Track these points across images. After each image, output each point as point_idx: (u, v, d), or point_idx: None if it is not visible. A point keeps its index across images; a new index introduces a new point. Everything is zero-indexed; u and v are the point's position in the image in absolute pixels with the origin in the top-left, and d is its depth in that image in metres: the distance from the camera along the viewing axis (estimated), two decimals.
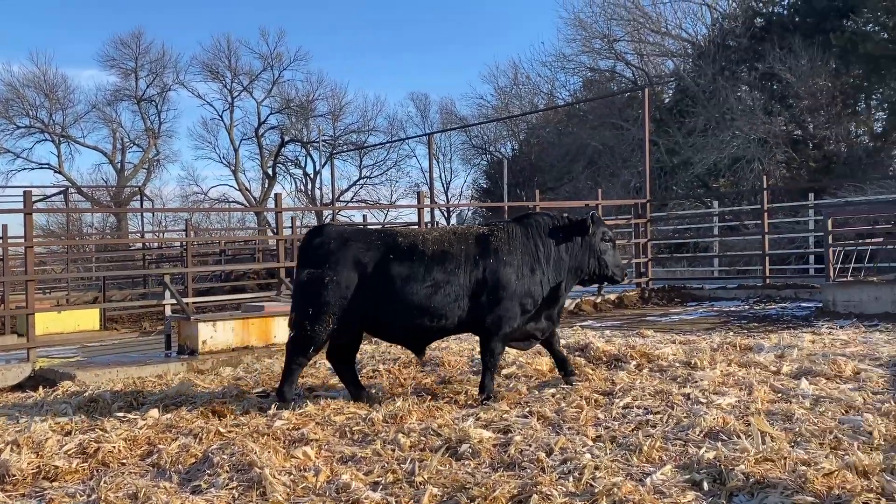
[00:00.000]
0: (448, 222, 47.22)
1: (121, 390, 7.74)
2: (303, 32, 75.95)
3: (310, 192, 49.90)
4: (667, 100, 34.95)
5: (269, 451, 5.11)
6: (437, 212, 44.51)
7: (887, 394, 5.89)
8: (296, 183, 51.76)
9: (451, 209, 47.09)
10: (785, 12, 30.80)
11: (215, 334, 10.24)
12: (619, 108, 34.01)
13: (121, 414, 6.59)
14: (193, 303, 12.08)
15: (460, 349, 9.21)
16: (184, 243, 20.40)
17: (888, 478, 3.93)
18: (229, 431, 5.78)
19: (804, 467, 4.14)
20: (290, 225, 22.29)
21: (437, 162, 51.04)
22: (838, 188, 22.43)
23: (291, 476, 4.69)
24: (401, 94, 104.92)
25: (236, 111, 50.42)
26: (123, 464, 5.29)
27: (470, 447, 5.05)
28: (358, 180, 50.25)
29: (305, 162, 51.04)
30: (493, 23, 73.69)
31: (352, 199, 49.42)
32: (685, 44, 34.03)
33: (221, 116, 50.33)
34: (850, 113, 27.45)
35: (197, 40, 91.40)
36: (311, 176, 50.22)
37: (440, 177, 51.80)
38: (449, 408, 6.33)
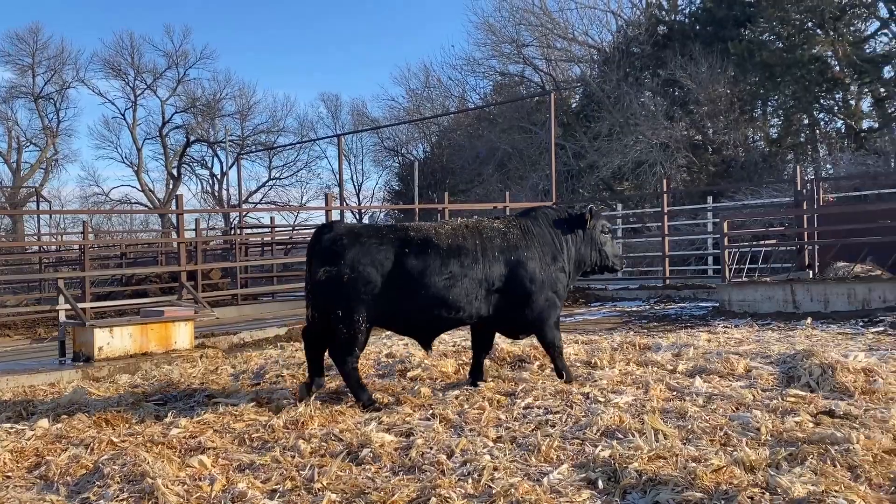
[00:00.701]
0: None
1: (9, 400, 7.39)
2: (210, 30, 74.34)
3: (216, 194, 48.85)
4: (574, 104, 35.68)
5: (163, 461, 4.95)
6: (348, 214, 44.20)
7: (776, 390, 6.12)
8: (202, 184, 50.65)
9: (363, 211, 46.81)
10: (686, 21, 31.86)
11: (112, 340, 9.89)
12: (528, 111, 34.54)
13: (8, 425, 6.29)
14: (91, 308, 11.67)
15: (366, 352, 9.14)
16: (81, 246, 19.63)
17: (772, 472, 4.08)
18: (123, 441, 5.58)
19: (694, 464, 4.26)
20: (194, 227, 21.73)
21: (349, 163, 50.79)
22: (736, 191, 23.31)
23: (185, 486, 4.56)
24: (311, 94, 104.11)
25: (139, 110, 49.18)
26: (9, 476, 5.04)
27: (371, 451, 5.01)
28: (267, 181, 49.56)
29: (212, 162, 50.05)
30: (404, 24, 73.86)
31: (261, 200, 48.63)
32: (591, 50, 34.82)
33: (124, 115, 48.98)
34: (747, 119, 28.58)
35: (98, 37, 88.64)
36: (218, 177, 49.20)
37: (352, 178, 51.55)
38: (352, 412, 6.27)
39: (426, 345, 6.88)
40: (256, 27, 74.26)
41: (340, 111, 52.56)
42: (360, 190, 51.77)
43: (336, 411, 6.23)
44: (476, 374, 7.11)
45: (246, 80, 69.53)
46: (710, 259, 19.72)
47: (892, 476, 4.06)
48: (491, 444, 5.11)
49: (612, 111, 29.60)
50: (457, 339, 10.21)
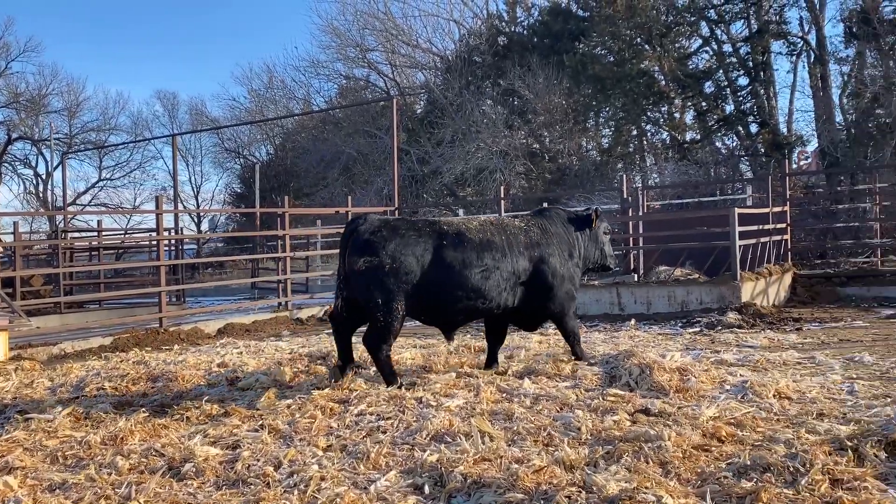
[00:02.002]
0: (198, 229, 45.37)
1: None
2: (35, 21, 69.62)
3: (41, 195, 45.74)
4: (419, 110, 36.04)
5: None
6: (186, 218, 42.59)
7: (598, 390, 6.37)
8: (25, 184, 47.27)
9: (202, 215, 45.28)
10: (525, 33, 32.89)
11: None
12: (373, 116, 34.57)
13: None
14: None
15: (197, 362, 8.82)
16: None
17: (588, 471, 4.24)
18: None
19: (517, 465, 4.35)
20: (13, 230, 20.23)
21: (187, 164, 49.03)
22: (570, 198, 24.26)
23: None
24: (147, 91, 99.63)
25: None
26: None
27: (194, 466, 4.80)
28: (97, 182, 46.87)
29: (36, 161, 46.75)
30: (246, 23, 72.12)
31: (90, 202, 45.94)
32: (435, 57, 35.29)
33: None
34: (580, 129, 29.85)
35: None
36: (43, 177, 46.09)
37: (190, 180, 49.77)
38: (177, 425, 6.00)
39: (450, 334, 7.25)
40: (87, 18, 70.29)
41: (178, 110, 50.76)
42: (198, 192, 50.05)
43: (159, 425, 5.94)
44: (491, 364, 7.53)
45: (75, 76, 65.44)
46: None
47: (699, 471, 4.30)
48: (321, 453, 5.02)
49: (454, 118, 30.12)
50: (293, 347, 10.04)
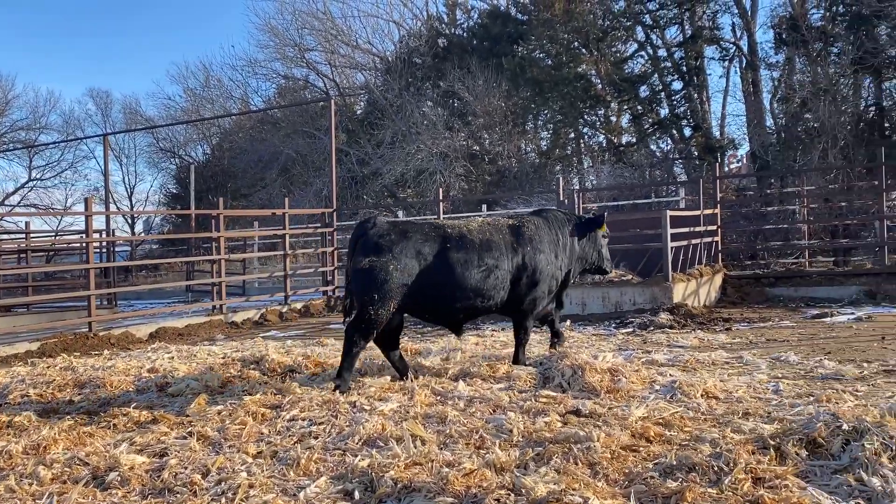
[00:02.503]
0: (132, 230, 44.39)
1: None
2: None
3: None
4: (359, 111, 35.86)
5: None
6: (121, 219, 41.65)
7: (531, 392, 6.42)
8: None
9: (136, 217, 44.32)
10: (464, 35, 32.99)
11: None
12: (312, 116, 34.26)
13: None
14: None
15: (127, 368, 8.62)
16: None
17: (518, 473, 4.26)
18: None
19: (448, 469, 4.35)
20: None
21: (120, 164, 47.87)
22: (509, 200, 24.46)
23: None
24: (79, 90, 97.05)
25: None
26: None
27: (119, 475, 4.68)
28: (27, 182, 45.45)
29: None
30: (182, 20, 70.86)
31: (20, 202, 44.53)
32: (374, 58, 35.14)
33: None
34: (519, 131, 30.07)
35: None
36: None
37: (124, 180, 48.62)
38: (103, 433, 5.85)
39: (458, 331, 7.53)
40: (15, 10, 68.14)
41: (111, 109, 49.47)
42: (132, 193, 48.92)
43: (84, 433, 5.78)
44: (556, 336, 8.11)
45: (3, 73, 63.38)
46: None
47: (627, 471, 4.36)
48: (250, 460, 4.94)
49: (395, 119, 30.06)
50: (227, 352, 9.89)
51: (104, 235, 18.29)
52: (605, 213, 8.21)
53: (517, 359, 7.61)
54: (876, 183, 15.08)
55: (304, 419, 5.85)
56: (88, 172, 61.07)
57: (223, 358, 8.97)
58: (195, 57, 65.59)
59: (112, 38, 70.25)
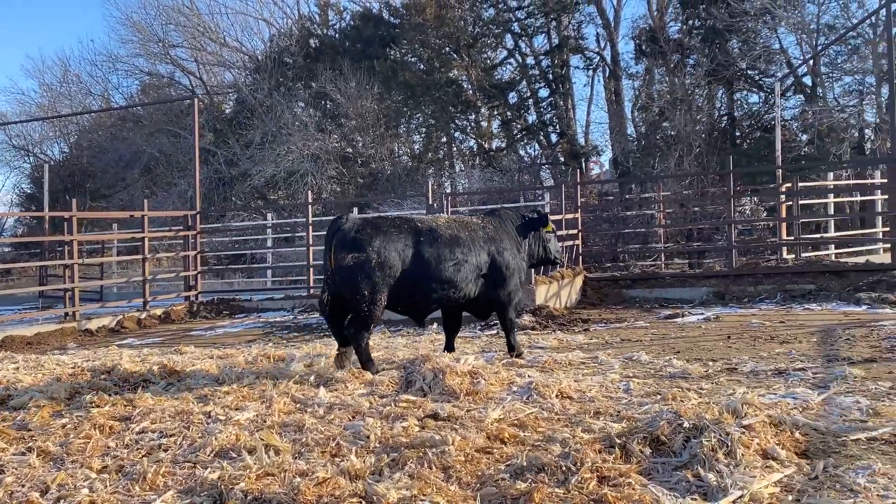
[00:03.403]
0: None
1: None
2: None
3: None
4: (227, 111, 34.97)
5: None
6: None
7: (391, 397, 6.41)
8: None
9: None
10: (336, 36, 32.76)
11: None
12: (177, 115, 33.15)
13: None
14: None
15: None
16: None
17: (371, 480, 4.24)
18: None
19: (300, 478, 4.28)
20: None
21: None
22: (382, 203, 24.44)
23: None
24: None
25: None
26: None
27: None
28: None
29: None
30: (37, 12, 67.05)
31: None
32: (244, 57, 34.37)
33: None
34: (392, 134, 30.14)
35: None
36: None
37: None
38: None
39: (421, 322, 8.14)
40: None
41: None
42: None
43: None
44: (450, 349, 8.44)
45: None
46: None
47: (479, 474, 4.42)
48: (94, 475, 4.70)
49: (264, 120, 29.48)
50: (78, 361, 9.41)
51: None
52: (546, 212, 8.87)
53: (511, 346, 8.30)
54: (726, 189, 15.98)
55: (154, 431, 5.61)
56: None
57: (73, 368, 8.50)
58: (52, 51, 62.09)
59: None
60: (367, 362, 7.44)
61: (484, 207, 21.25)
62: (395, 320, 12.37)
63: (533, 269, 10.82)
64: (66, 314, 13.96)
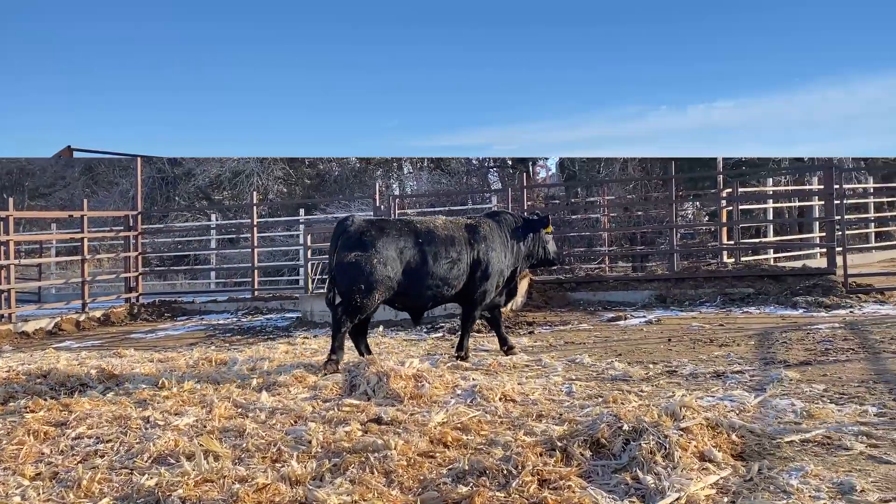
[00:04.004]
0: None
1: None
2: None
3: None
4: None
5: None
6: None
7: (335, 401, 6.38)
8: None
9: None
10: None
11: None
12: None
13: None
14: None
15: None
16: None
17: (312, 486, 4.21)
18: None
19: (239, 484, 4.23)
20: None
21: None
22: (328, 204, 24.29)
23: None
24: None
25: None
26: None
27: None
28: None
29: None
30: None
31: None
32: None
33: None
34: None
35: None
36: None
37: None
38: None
39: (419, 319, 8.64)
40: None
41: None
42: None
43: None
44: (502, 342, 8.91)
45: None
46: (303, 270, 20.25)
47: (421, 478, 4.42)
48: (27, 482, 4.58)
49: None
50: (12, 364, 9.15)
51: None
52: (548, 215, 9.27)
53: (462, 346, 8.56)
54: (669, 194, 16.26)
55: (91, 437, 5.51)
56: None
57: (7, 371, 8.27)
58: None
59: None
60: (338, 349, 7.83)
61: (430, 210, 21.31)
62: (395, 321, 12.22)
63: None
64: (2, 316, 13.57)
